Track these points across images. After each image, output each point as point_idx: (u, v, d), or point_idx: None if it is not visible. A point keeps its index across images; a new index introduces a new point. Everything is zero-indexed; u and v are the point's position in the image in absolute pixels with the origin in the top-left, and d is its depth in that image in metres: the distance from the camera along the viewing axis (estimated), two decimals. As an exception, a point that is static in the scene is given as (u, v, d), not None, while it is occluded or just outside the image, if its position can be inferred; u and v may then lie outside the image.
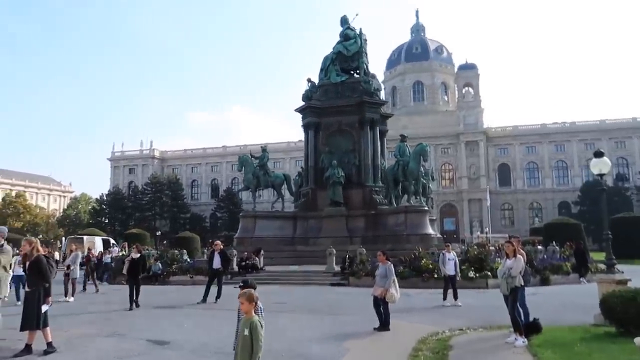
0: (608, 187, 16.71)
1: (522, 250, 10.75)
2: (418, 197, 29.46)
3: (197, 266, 24.41)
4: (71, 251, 18.41)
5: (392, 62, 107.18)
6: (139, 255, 15.72)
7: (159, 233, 77.50)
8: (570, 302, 15.39)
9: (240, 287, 5.59)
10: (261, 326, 5.04)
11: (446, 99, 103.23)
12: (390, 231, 28.44)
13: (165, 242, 71.01)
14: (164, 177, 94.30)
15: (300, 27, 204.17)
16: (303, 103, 33.66)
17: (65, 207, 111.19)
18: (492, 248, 28.41)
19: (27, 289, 8.28)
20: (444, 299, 15.27)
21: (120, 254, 29.90)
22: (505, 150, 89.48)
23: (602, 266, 21.47)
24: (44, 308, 8.04)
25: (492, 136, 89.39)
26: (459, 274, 16.79)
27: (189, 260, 27.85)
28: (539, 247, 29.25)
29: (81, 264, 19.54)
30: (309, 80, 34.65)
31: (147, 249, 32.67)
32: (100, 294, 19.85)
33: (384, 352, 9.30)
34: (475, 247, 26.41)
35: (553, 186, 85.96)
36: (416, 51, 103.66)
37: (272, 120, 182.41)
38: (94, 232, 50.41)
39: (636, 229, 36.80)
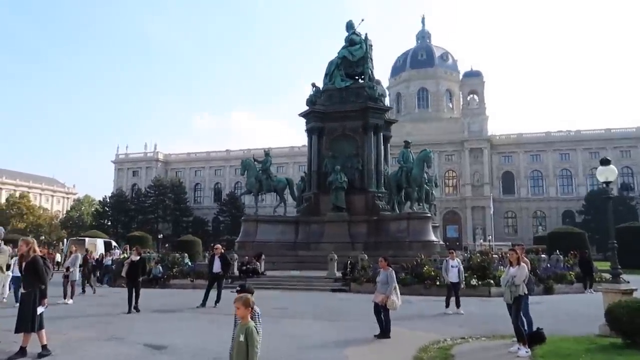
0: (613, 196, 16.41)
1: (525, 259, 10.59)
2: (421, 204, 29.28)
3: (197, 270, 24.29)
4: (71, 253, 18.31)
5: (397, 69, 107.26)
6: (138, 257, 15.55)
7: (161, 236, 77.48)
8: (574, 312, 15.18)
9: (237, 291, 5.48)
10: (257, 332, 4.92)
11: (451, 106, 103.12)
12: (393, 237, 28.25)
13: (167, 245, 70.98)
14: (167, 180, 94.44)
15: (306, 32, 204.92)
16: (307, 108, 33.61)
17: (69, 209, 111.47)
18: (495, 256, 28.18)
19: (22, 290, 8.17)
20: (447, 306, 15.08)
21: (122, 257, 29.80)
22: (509, 158, 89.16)
23: (607, 276, 21.28)
24: (40, 310, 7.91)
25: (497, 144, 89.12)
26: (464, 282, 16.54)
27: (190, 263, 27.73)
28: (543, 255, 29.00)
29: (80, 266, 19.44)
30: (313, 85, 34.61)
31: (148, 252, 32.59)
32: (100, 296, 19.75)
33: (385, 360, 9.14)
34: (478, 254, 26.17)
35: (557, 195, 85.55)
36: (421, 58, 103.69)
37: (276, 125, 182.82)
38: (96, 234, 50.38)
39: (642, 239, 36.40)
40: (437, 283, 19.52)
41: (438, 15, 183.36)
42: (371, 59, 34.72)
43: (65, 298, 16.82)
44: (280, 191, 33.21)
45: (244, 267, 24.34)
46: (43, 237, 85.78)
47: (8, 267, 14.98)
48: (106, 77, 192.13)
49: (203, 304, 15.63)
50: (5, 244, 14.68)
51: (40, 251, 9.64)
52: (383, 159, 32.65)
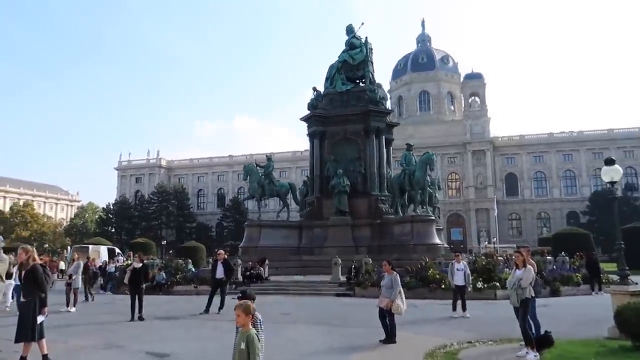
0: (618, 196, 16.43)
1: (532, 261, 10.43)
2: (424, 207, 29.13)
3: (201, 276, 24.17)
4: (73, 260, 18.24)
5: (398, 72, 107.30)
6: (141, 264, 15.42)
7: (164, 242, 77.43)
8: (582, 314, 15.00)
9: (238, 298, 5.36)
10: (259, 339, 4.80)
11: (452, 108, 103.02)
12: (397, 241, 28.12)
13: (171, 251, 70.88)
14: (170, 187, 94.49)
15: (307, 37, 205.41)
16: (308, 112, 33.55)
17: (73, 216, 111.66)
18: (500, 258, 27.97)
19: (22, 299, 8.07)
20: (454, 310, 14.93)
21: (125, 264, 29.73)
22: (512, 159, 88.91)
23: (613, 277, 21.07)
24: (40, 319, 7.80)
25: (499, 145, 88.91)
26: (470, 285, 16.35)
27: (193, 270, 27.62)
28: (548, 257, 28.74)
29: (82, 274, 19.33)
30: (314, 89, 34.56)
31: (152, 259, 32.49)
32: (104, 304, 19.67)
33: (390, 365, 9.01)
34: (483, 257, 25.98)
35: (561, 196, 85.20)
36: (422, 61, 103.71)
37: (278, 130, 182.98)
38: (99, 242, 50.35)
39: (646, 239, 36.03)
40: (442, 286, 19.38)
41: (438, 19, 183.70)
42: (372, 63, 34.70)
43: (68, 306, 16.73)
44: (283, 196, 33.12)
45: (248, 273, 24.23)
46: (47, 245, 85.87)
47: (10, 275, 14.87)
48: (109, 85, 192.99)
49: (206, 311, 15.52)
50: (8, 252, 14.60)
51: (42, 259, 9.55)
52: (385, 162, 32.53)
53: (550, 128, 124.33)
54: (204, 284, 22.11)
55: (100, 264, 29.43)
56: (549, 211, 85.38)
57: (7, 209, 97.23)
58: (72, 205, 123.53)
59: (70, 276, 17.28)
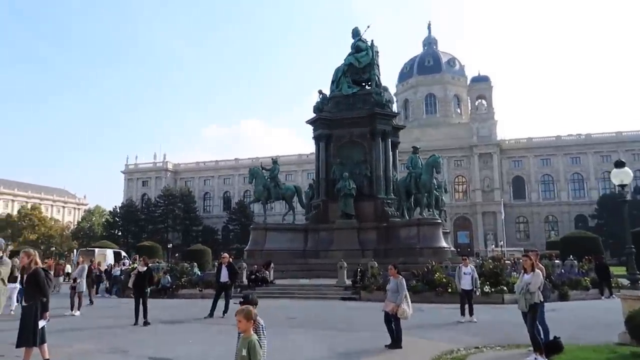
0: (629, 200, 16.15)
1: (540, 265, 10.26)
2: (431, 210, 28.93)
3: (206, 279, 24.10)
4: (78, 264, 18.20)
5: (404, 75, 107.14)
6: (145, 268, 15.30)
7: (170, 245, 77.55)
8: (591, 319, 14.76)
9: (240, 303, 5.26)
10: (261, 346, 4.69)
11: (459, 111, 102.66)
12: (403, 244, 27.93)
13: (177, 254, 70.97)
14: (176, 190, 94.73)
15: (313, 40, 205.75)
16: (314, 115, 33.49)
17: (80, 220, 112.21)
18: (507, 262, 27.72)
19: (23, 303, 8.00)
20: (462, 314, 14.74)
21: (131, 267, 29.74)
22: (519, 162, 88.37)
23: (623, 281, 20.79)
24: (41, 324, 7.71)
25: (506, 148, 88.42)
26: (478, 289, 16.14)
27: (199, 273, 27.55)
28: (557, 261, 28.45)
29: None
30: (320, 92, 34.51)
31: (158, 262, 32.49)
32: (108, 307, 19.61)
33: (396, 371, 8.86)
34: (490, 261, 25.74)
35: (569, 199, 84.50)
36: (428, 64, 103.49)
37: (285, 133, 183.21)
38: (106, 245, 50.50)
39: (657, 243, 35.61)
40: (449, 290, 19.18)
41: (444, 22, 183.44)
42: (378, 66, 34.60)
43: (72, 310, 16.68)
44: (289, 199, 33.03)
45: (253, 276, 24.13)
46: (54, 248, 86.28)
47: (15, 279, 14.87)
48: (117, 89, 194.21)
49: (211, 315, 15.42)
50: (15, 255, 14.60)
51: (46, 263, 9.50)
52: (391, 165, 32.39)
53: (558, 131, 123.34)
54: (209, 288, 22.04)
55: (106, 267, 29.41)
56: (557, 214, 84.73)
57: (15, 212, 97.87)
58: (79, 209, 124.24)
59: (74, 280, 17.24)
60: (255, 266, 25.30)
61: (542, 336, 9.37)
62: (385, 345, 10.51)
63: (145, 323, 13.93)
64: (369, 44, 34.38)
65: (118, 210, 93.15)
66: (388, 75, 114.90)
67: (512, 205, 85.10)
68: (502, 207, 76.31)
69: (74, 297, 16.87)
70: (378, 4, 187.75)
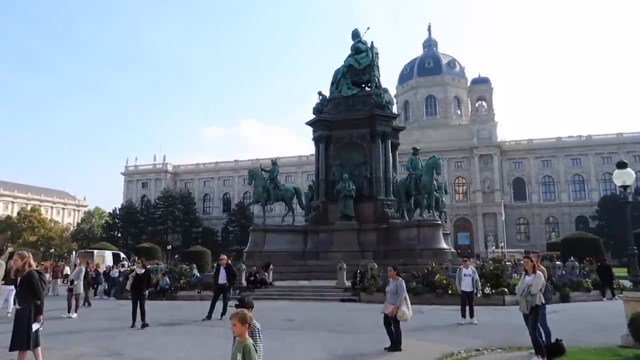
0: (632, 200, 16.06)
1: (542, 267, 10.14)
2: (431, 211, 28.82)
3: (205, 281, 23.93)
4: (75, 266, 18.06)
5: (404, 77, 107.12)
6: (143, 270, 15.15)
7: (170, 247, 77.42)
8: (593, 321, 14.64)
9: (235, 306, 5.14)
10: (256, 350, 4.56)
11: (459, 112, 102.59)
12: (403, 245, 27.80)
13: (176, 256, 70.84)
14: (176, 192, 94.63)
15: (313, 42, 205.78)
16: (314, 116, 33.38)
17: (79, 221, 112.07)
18: (508, 263, 27.59)
19: (17, 306, 7.87)
20: (462, 316, 14.61)
21: (129, 269, 29.61)
22: (519, 164, 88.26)
23: (625, 283, 20.66)
24: (35, 327, 7.58)
25: (507, 150, 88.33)
26: (479, 291, 16.02)
27: (198, 275, 27.42)
28: (558, 262, 28.33)
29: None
30: (319, 93, 34.39)
31: (157, 263, 32.31)
32: (106, 309, 19.48)
33: (396, 374, 8.73)
34: (491, 262, 25.61)
35: (570, 200, 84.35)
36: (428, 65, 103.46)
37: (284, 135, 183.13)
38: (105, 247, 50.35)
39: (658, 244, 35.45)
40: (449, 292, 19.06)
41: (444, 23, 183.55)
42: (377, 67, 34.49)
43: (69, 312, 16.54)
44: (288, 200, 32.89)
45: (252, 278, 23.98)
46: (53, 250, 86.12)
47: (12, 281, 14.74)
48: (115, 90, 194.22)
49: (209, 317, 15.28)
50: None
51: (43, 265, 9.36)
52: (391, 167, 32.27)
53: (559, 132, 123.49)
54: (207, 289, 21.89)
55: (105, 269, 29.25)
56: (558, 216, 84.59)
57: (14, 214, 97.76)
58: (79, 210, 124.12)
59: (71, 282, 17.11)
60: (255, 268, 25.16)
61: (543, 338, 9.25)
62: (385, 348, 10.38)
63: (143, 325, 13.77)
64: (369, 45, 34.29)
65: (118, 212, 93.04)
66: (388, 77, 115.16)
67: (513, 207, 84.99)
68: (502, 209, 76.19)
69: (71, 299, 16.74)
70: (378, 6, 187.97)
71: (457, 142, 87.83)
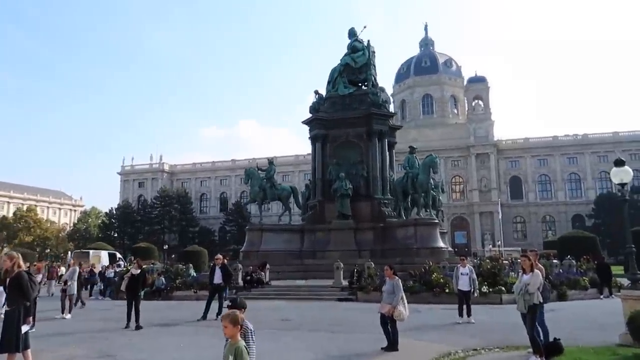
0: (629, 198, 16.01)
1: (540, 265, 10.05)
2: (428, 210, 28.74)
3: (201, 281, 23.77)
4: (69, 266, 17.89)
5: (401, 76, 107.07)
6: (139, 271, 14.98)
7: (166, 247, 77.17)
8: (591, 319, 14.59)
9: (228, 307, 5.01)
10: (248, 352, 4.44)
11: (456, 111, 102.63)
12: (400, 244, 27.73)
13: (173, 255, 70.60)
14: (173, 191, 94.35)
15: (310, 41, 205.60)
16: (310, 115, 33.24)
17: (76, 221, 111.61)
18: (505, 262, 27.55)
19: (6, 307, 7.71)
20: (459, 315, 14.53)
21: (125, 269, 29.44)
22: (516, 162, 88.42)
23: (622, 281, 20.62)
24: (24, 328, 7.42)
25: (503, 148, 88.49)
26: (476, 290, 15.93)
27: (194, 274, 27.28)
28: (555, 261, 28.30)
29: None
30: (316, 92, 34.24)
31: (152, 263, 32.14)
32: (100, 310, 19.32)
33: (392, 375, 8.62)
34: (488, 261, 25.57)
35: (566, 199, 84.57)
36: (425, 65, 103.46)
37: (282, 134, 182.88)
38: (101, 247, 50.18)
39: (654, 243, 35.47)
40: (447, 290, 18.99)
41: (441, 22, 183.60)
42: (374, 66, 34.36)
43: (63, 313, 16.37)
44: (285, 199, 32.78)
45: (249, 277, 23.85)
46: (49, 250, 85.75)
47: (2, 282, 14.56)
48: (112, 90, 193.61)
49: (204, 317, 15.14)
50: None
51: (36, 265, 9.21)
52: (388, 165, 32.17)
53: (555, 131, 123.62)
54: (203, 289, 21.67)
55: (100, 269, 29.06)
56: (554, 214, 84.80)
57: (10, 214, 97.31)
58: (75, 210, 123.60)
59: (65, 282, 16.94)
60: (251, 267, 25.03)
61: (541, 338, 9.17)
62: (382, 348, 10.28)
63: (137, 327, 13.59)
64: (366, 44, 34.17)
65: (114, 212, 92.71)
66: (385, 76, 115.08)
67: (510, 205, 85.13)
68: (499, 207, 76.30)
69: (64, 300, 16.57)
70: (375, 5, 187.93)
71: (454, 141, 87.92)
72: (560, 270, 23.95)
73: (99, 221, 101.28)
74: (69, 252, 54.93)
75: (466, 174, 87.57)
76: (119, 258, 42.56)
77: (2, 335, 7.36)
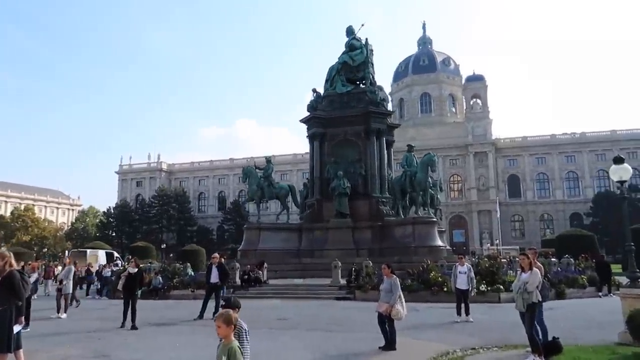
0: (628, 196, 15.94)
1: (538, 263, 9.97)
2: (426, 208, 28.69)
3: (198, 280, 23.65)
4: (65, 265, 17.76)
5: (399, 74, 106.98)
6: (136, 270, 14.86)
7: (164, 246, 77.02)
8: (590, 318, 14.52)
9: (222, 306, 4.92)
10: (241, 353, 4.34)
11: (454, 110, 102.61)
12: (398, 243, 27.67)
13: (171, 255, 70.49)
14: (171, 190, 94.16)
15: (308, 40, 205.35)
16: (308, 114, 33.14)
17: (74, 221, 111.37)
18: (503, 260, 27.48)
19: (-2, 307, 7.59)
20: (458, 314, 14.46)
21: (122, 268, 29.30)
22: (514, 161, 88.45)
23: (620, 279, 20.58)
24: (16, 328, 7.31)
25: (501, 147, 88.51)
26: (474, 288, 15.87)
27: (192, 273, 27.17)
28: (553, 259, 28.24)
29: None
30: (314, 90, 34.12)
31: (150, 262, 32.01)
32: (96, 309, 19.21)
33: (390, 374, 8.54)
34: (486, 259, 25.51)
35: (564, 197, 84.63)
36: (423, 63, 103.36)
37: (279, 133, 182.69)
38: (99, 246, 50.00)
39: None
40: (445, 289, 18.92)
41: (439, 21, 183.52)
42: (372, 64, 34.25)
43: (58, 312, 16.25)
44: (283, 198, 32.68)
45: (246, 276, 23.76)
46: (47, 250, 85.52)
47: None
48: (111, 90, 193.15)
49: (200, 316, 15.04)
50: None
51: (31, 265, 9.09)
52: (386, 164, 32.07)
53: (553, 129, 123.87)
54: (201, 288, 21.54)
55: (97, 268, 28.96)
56: (552, 213, 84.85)
57: (8, 214, 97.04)
58: (73, 210, 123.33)
59: (60, 281, 16.82)
60: (249, 266, 24.95)
61: (540, 336, 9.10)
62: (379, 347, 10.20)
63: (133, 327, 13.46)
64: (363, 42, 34.05)
65: (112, 211, 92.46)
66: (383, 75, 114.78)
67: (508, 204, 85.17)
68: (497, 206, 76.35)
69: (60, 299, 16.45)
70: (374, 4, 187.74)
71: (452, 140, 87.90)
72: (559, 269, 23.87)
73: (97, 220, 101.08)
74: (67, 252, 54.75)
75: (464, 172, 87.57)
76: (117, 257, 42.40)
77: (-7, 336, 7.24)
